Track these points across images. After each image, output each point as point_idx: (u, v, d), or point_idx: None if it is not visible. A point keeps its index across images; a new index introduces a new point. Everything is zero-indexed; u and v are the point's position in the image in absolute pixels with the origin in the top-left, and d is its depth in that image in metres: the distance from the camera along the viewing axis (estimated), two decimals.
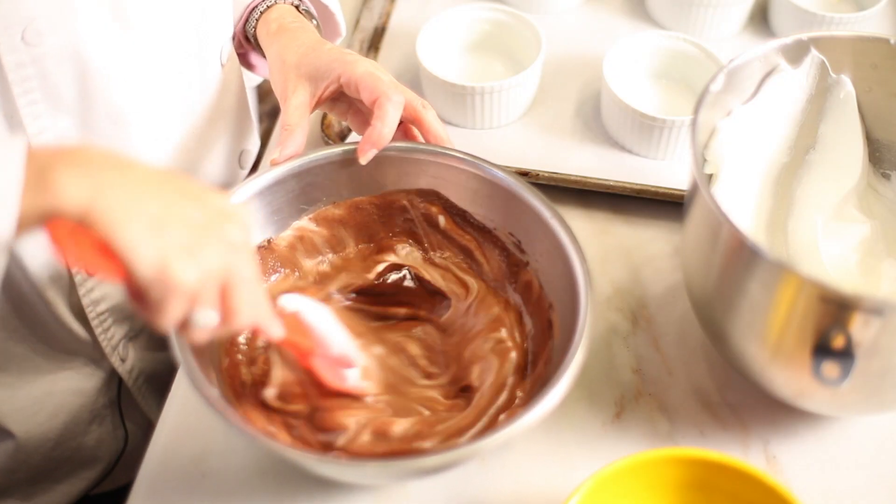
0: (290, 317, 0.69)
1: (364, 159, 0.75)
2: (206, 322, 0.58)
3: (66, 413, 0.87)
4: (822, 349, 0.63)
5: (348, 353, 0.72)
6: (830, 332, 0.62)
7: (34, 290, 0.78)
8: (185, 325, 0.58)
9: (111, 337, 0.85)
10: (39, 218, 0.54)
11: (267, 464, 0.73)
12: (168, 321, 0.56)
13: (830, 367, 0.64)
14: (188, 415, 0.76)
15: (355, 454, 0.69)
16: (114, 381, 0.90)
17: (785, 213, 0.81)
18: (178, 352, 0.64)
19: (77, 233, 0.54)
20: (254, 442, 0.63)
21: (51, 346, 0.83)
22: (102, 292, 0.82)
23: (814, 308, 0.62)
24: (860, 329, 0.61)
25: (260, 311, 0.62)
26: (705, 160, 0.76)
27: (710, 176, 0.76)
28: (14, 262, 0.75)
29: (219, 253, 0.57)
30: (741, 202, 0.78)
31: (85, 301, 0.81)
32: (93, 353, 0.86)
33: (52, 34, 0.68)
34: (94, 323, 0.83)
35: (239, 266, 0.58)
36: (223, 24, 0.83)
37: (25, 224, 0.54)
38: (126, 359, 0.88)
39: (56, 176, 0.53)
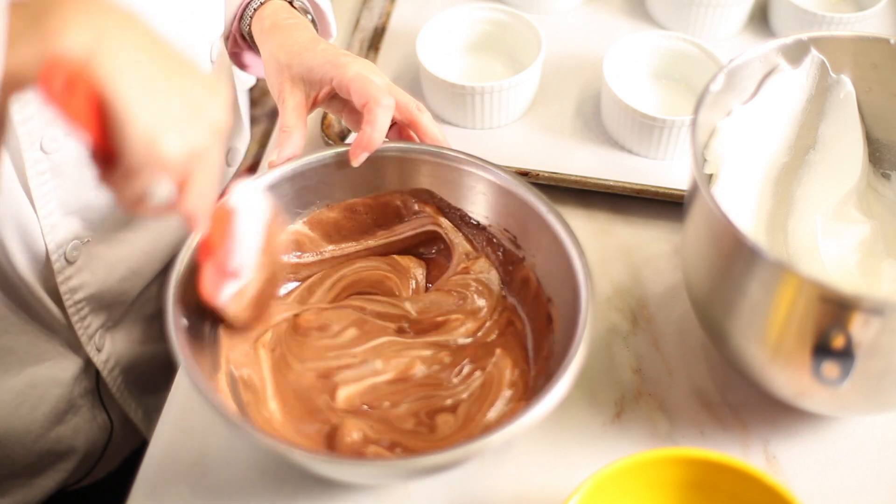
0: (225, 211, 0.68)
1: (356, 162, 0.75)
2: (164, 198, 0.56)
3: (46, 404, 0.86)
4: (822, 349, 0.63)
5: (242, 267, 0.70)
6: (830, 332, 0.62)
7: (15, 273, 0.77)
8: (138, 200, 0.56)
9: (88, 326, 0.85)
10: (36, 67, 0.51)
11: (267, 463, 0.73)
12: (134, 191, 0.55)
13: (830, 367, 0.64)
14: (188, 415, 0.76)
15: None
16: (90, 371, 0.90)
17: (785, 213, 0.81)
18: (178, 352, 0.64)
19: (70, 84, 0.51)
20: (253, 442, 0.63)
21: (33, 331, 0.83)
22: (81, 280, 0.82)
23: (814, 308, 0.62)
24: (860, 329, 0.61)
25: (207, 202, 0.60)
26: (705, 160, 0.76)
27: (710, 176, 0.76)
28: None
29: (204, 134, 0.56)
30: (741, 202, 0.78)
31: (62, 289, 0.81)
32: (70, 338, 0.85)
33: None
34: (70, 311, 0.83)
35: (213, 151, 0.57)
36: (213, 22, 0.83)
37: (18, 77, 0.52)
38: (102, 349, 0.88)
39: (59, 21, 0.51)
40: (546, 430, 0.74)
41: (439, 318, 0.76)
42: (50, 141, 0.73)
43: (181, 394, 0.77)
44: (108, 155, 0.54)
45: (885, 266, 0.78)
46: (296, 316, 0.76)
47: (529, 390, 0.72)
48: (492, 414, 0.71)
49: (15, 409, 0.84)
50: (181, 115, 0.54)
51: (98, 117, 0.53)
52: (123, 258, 0.85)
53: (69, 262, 0.80)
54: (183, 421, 0.76)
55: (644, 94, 0.97)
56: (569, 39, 1.04)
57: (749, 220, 0.79)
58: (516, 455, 0.74)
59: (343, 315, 0.76)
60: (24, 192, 0.74)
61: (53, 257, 0.79)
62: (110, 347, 0.88)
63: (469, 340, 0.76)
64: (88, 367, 0.89)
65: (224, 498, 0.72)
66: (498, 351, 0.74)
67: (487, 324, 0.76)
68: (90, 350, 0.87)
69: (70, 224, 0.79)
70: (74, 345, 0.86)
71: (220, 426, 0.73)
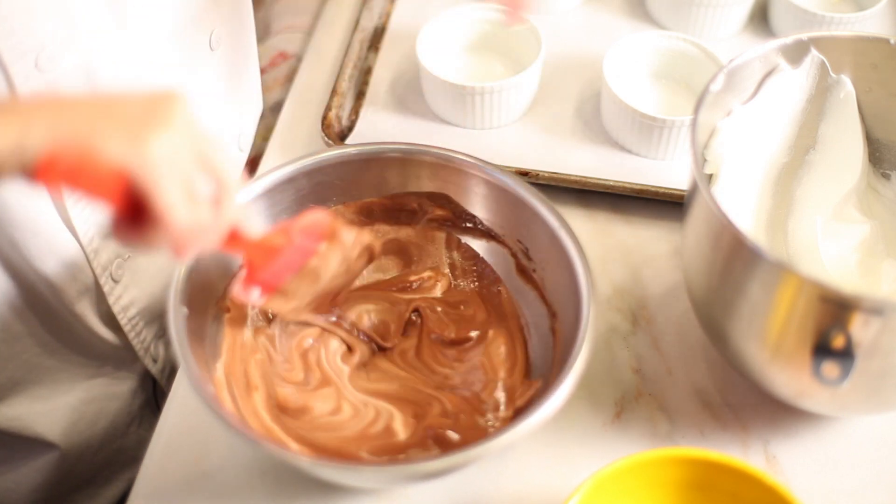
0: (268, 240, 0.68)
1: (513, 22, 0.74)
2: (204, 192, 0.56)
3: (104, 419, 0.87)
4: (821, 349, 0.63)
5: (279, 280, 0.70)
6: (830, 332, 0.62)
7: (62, 305, 0.78)
8: (189, 227, 0.56)
9: (143, 340, 0.86)
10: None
11: (267, 464, 0.73)
12: (174, 212, 0.54)
13: (830, 367, 0.64)
14: (188, 415, 0.76)
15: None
16: (147, 382, 0.91)
17: (785, 213, 0.81)
18: (179, 352, 0.64)
19: (54, 169, 0.52)
20: (252, 445, 0.63)
21: (83, 355, 0.83)
22: (131, 297, 0.82)
23: (814, 308, 0.62)
24: (860, 329, 0.61)
25: (237, 189, 0.60)
26: (705, 160, 0.76)
27: (710, 176, 0.76)
28: (40, 279, 0.76)
29: (180, 120, 0.55)
30: (741, 202, 0.78)
31: (115, 308, 0.81)
32: (125, 356, 0.86)
33: (65, 57, 0.68)
34: (126, 328, 0.83)
35: (201, 128, 0.56)
36: (211, 11, 0.82)
37: None
38: (158, 359, 0.89)
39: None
40: (546, 430, 0.74)
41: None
42: None
43: (181, 394, 0.77)
44: (130, 202, 0.55)
45: (884, 266, 0.78)
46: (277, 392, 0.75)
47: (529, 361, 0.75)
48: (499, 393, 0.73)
49: (73, 425, 0.85)
50: (147, 119, 0.54)
51: (98, 176, 0.54)
52: (164, 266, 0.85)
53: (116, 282, 0.81)
54: (183, 421, 0.76)
55: (644, 94, 0.97)
56: (569, 39, 1.04)
57: (749, 220, 0.79)
58: (517, 455, 0.74)
59: (323, 396, 0.75)
60: (65, 224, 0.75)
61: (101, 280, 0.79)
62: (164, 355, 0.89)
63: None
64: (146, 378, 0.90)
65: (224, 498, 0.72)
66: (490, 332, 0.77)
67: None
68: (147, 362, 0.88)
69: (109, 245, 0.79)
70: (129, 360, 0.87)
71: (220, 426, 0.73)
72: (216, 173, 0.57)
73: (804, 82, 0.78)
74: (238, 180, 0.59)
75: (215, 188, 0.58)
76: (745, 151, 0.77)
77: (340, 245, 0.72)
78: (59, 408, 0.84)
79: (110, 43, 0.71)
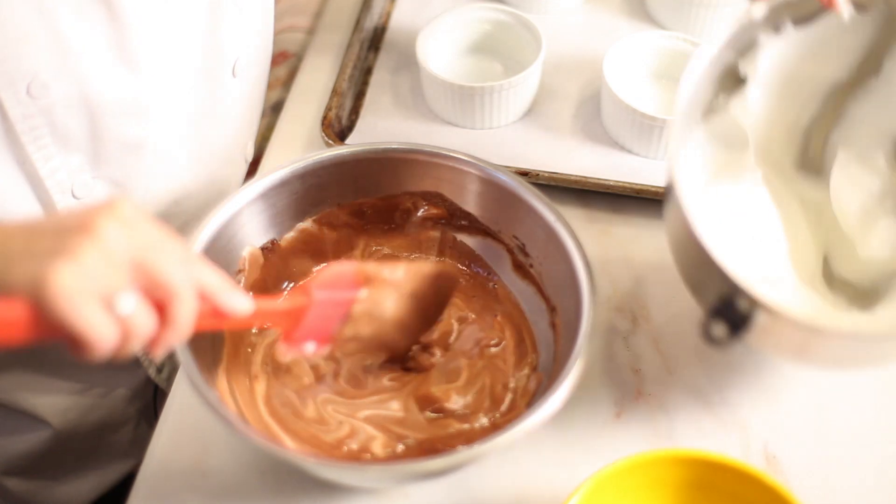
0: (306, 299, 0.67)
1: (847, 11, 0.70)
2: (127, 307, 0.52)
3: (97, 414, 0.88)
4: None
5: (327, 331, 0.70)
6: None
7: None
8: (124, 338, 0.53)
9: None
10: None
11: (267, 464, 0.73)
12: (93, 334, 0.50)
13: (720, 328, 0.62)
14: (188, 415, 0.76)
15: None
16: (148, 388, 0.91)
17: (829, 126, 0.79)
18: (179, 351, 0.64)
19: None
20: (253, 444, 0.63)
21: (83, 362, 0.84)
22: None
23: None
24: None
25: (198, 270, 0.56)
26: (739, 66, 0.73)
27: (744, 79, 0.73)
28: None
29: (95, 242, 0.51)
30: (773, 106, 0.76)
31: None
32: (126, 364, 0.86)
33: (58, 85, 0.67)
34: None
35: (141, 236, 0.52)
36: (237, 41, 0.82)
37: None
38: (162, 369, 0.89)
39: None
40: (546, 430, 0.74)
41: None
42: (80, 186, 0.74)
43: (181, 394, 0.77)
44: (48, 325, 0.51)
45: (882, 222, 0.77)
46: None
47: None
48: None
49: (64, 412, 0.86)
50: (58, 244, 0.51)
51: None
52: None
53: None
54: (183, 421, 0.76)
55: (644, 94, 0.97)
56: (569, 39, 1.04)
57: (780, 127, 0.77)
58: (516, 455, 0.74)
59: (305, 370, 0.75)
60: None
61: None
62: (169, 364, 0.89)
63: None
64: (146, 384, 0.91)
65: (224, 498, 0.72)
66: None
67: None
68: (151, 372, 0.88)
69: None
70: (131, 367, 0.88)
71: (220, 427, 0.73)
72: (156, 279, 0.53)
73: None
74: (200, 271, 0.56)
75: (160, 294, 0.53)
76: (790, 64, 0.74)
77: (387, 284, 0.71)
78: (52, 392, 0.84)
79: (110, 72, 0.71)
